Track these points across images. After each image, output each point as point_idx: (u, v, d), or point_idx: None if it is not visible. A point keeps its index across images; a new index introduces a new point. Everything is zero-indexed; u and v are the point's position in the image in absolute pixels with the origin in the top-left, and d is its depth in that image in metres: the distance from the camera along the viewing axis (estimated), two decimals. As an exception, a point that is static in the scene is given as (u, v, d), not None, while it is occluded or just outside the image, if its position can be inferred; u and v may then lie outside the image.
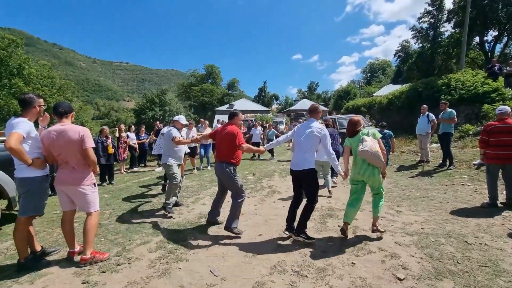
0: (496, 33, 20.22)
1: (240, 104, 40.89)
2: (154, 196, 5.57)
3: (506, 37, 20.47)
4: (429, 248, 3.00)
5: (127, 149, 8.82)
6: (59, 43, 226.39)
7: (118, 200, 5.31)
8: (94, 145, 2.74)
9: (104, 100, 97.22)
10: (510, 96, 10.04)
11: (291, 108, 44.27)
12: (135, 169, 8.97)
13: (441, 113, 6.79)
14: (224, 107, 40.47)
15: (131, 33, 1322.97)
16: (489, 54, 21.08)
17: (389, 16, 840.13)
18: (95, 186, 2.86)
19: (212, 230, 3.71)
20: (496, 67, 11.12)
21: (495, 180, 4.27)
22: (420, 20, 25.84)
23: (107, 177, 6.91)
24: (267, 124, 14.35)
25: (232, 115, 3.81)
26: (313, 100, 55.53)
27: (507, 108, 4.23)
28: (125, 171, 8.38)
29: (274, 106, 61.54)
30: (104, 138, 6.82)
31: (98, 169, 2.91)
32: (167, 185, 4.51)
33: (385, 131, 7.44)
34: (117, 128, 8.57)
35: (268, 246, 3.19)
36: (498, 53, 22.32)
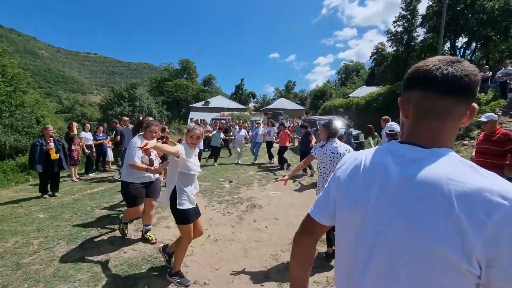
0: (465, 39, 21.16)
1: (216, 102, 39.58)
2: (106, 217, 4.35)
3: (475, 44, 21.47)
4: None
5: (82, 151, 7.54)
6: (17, 29, 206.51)
7: (56, 222, 4.12)
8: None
9: (68, 93, 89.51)
10: (484, 101, 10.24)
11: (268, 107, 43.71)
12: (91, 175, 7.67)
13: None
14: (200, 104, 38.95)
15: (101, 23, 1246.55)
16: (459, 59, 21.84)
17: (362, 21, 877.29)
18: None
19: (175, 270, 2.81)
20: (471, 72, 11.28)
21: None
22: (395, 24, 26.38)
23: (49, 187, 5.61)
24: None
25: None
26: (290, 99, 55.43)
27: None
28: (77, 178, 7.08)
29: (251, 105, 60.63)
30: (44, 141, 5.40)
31: None
32: None
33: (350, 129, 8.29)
34: (68, 127, 7.19)
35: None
36: (464, 60, 23.35)
